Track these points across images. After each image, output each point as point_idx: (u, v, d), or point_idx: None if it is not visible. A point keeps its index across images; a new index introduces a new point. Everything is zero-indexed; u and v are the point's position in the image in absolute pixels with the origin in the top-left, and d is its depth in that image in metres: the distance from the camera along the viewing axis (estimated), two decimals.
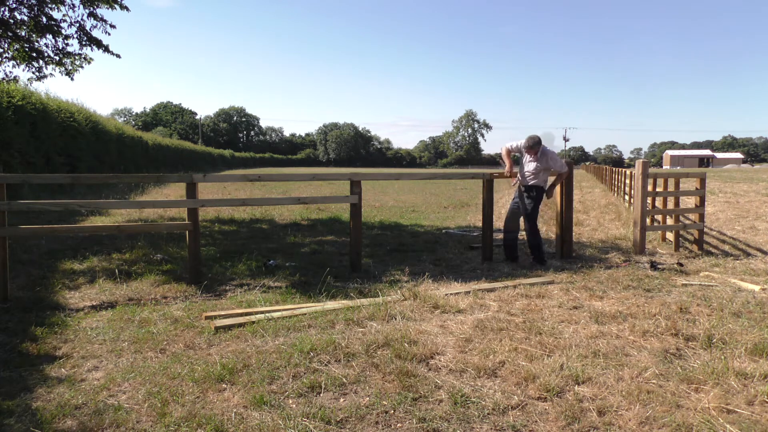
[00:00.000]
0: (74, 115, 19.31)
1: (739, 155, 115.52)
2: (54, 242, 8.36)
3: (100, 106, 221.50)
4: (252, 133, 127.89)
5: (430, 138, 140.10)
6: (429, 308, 4.96)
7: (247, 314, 4.75)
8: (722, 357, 3.72)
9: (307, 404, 3.12)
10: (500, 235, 9.70)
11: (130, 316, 4.80)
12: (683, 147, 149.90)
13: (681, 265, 7.02)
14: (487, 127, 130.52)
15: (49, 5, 11.08)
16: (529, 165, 7.25)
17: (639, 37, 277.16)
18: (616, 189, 19.07)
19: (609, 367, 3.62)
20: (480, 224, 8.65)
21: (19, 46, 11.21)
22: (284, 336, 4.25)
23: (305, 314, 4.77)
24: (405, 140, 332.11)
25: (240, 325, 4.48)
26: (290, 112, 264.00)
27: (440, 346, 4.01)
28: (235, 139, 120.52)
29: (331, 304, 5.04)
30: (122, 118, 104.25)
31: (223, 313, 4.79)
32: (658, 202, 10.64)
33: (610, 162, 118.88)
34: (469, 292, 5.56)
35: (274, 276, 6.32)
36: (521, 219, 7.42)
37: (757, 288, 5.67)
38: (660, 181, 9.80)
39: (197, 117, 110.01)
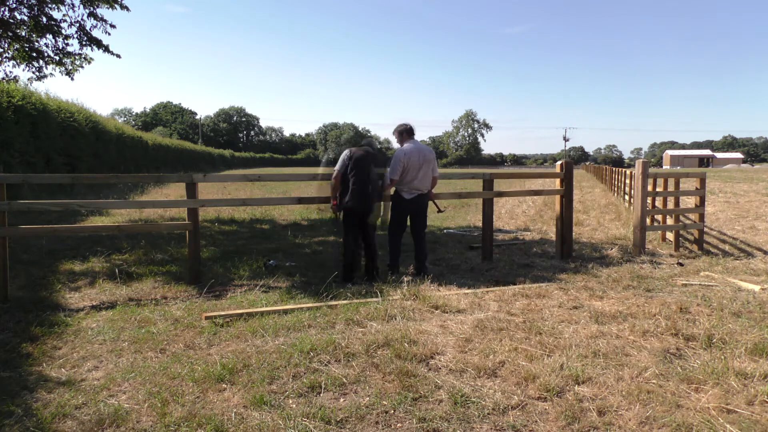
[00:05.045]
0: (74, 115, 19.31)
1: (739, 155, 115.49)
2: (54, 242, 8.36)
3: (100, 106, 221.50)
4: (252, 133, 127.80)
5: (430, 138, 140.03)
6: (429, 308, 4.96)
7: (247, 314, 4.75)
8: (722, 357, 3.72)
9: (307, 404, 3.12)
10: (501, 236, 9.72)
11: (130, 316, 4.80)
12: (683, 147, 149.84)
13: (681, 264, 7.02)
14: (487, 127, 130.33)
15: (49, 5, 11.09)
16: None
17: (639, 36, 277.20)
18: (616, 189, 19.07)
19: (609, 367, 3.62)
20: (480, 224, 8.64)
21: (19, 46, 11.21)
22: (284, 336, 4.25)
23: (305, 314, 4.77)
24: None
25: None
26: (290, 112, 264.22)
27: (440, 346, 4.01)
28: (235, 139, 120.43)
29: (331, 304, 5.04)
30: (122, 118, 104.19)
31: (223, 313, 4.79)
32: (658, 202, 10.64)
33: (610, 162, 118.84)
34: (469, 292, 5.56)
35: (275, 276, 6.32)
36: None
37: (757, 288, 5.67)
38: (660, 181, 9.79)
39: (197, 117, 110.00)
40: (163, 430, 2.87)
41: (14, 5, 10.82)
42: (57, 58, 11.66)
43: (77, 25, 11.51)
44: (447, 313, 4.87)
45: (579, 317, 4.72)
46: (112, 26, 11.91)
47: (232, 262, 7.08)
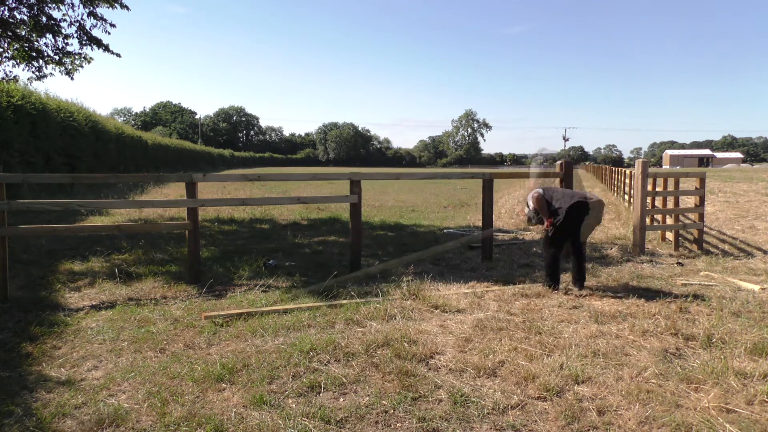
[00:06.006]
0: (74, 115, 19.29)
1: (738, 155, 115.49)
2: (54, 242, 8.36)
3: (99, 106, 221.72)
4: (252, 132, 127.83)
5: (429, 138, 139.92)
6: (429, 308, 4.96)
7: (247, 314, 4.74)
8: (722, 357, 3.72)
9: (307, 404, 3.12)
10: (501, 236, 9.71)
11: (130, 315, 4.80)
12: (683, 147, 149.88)
13: (681, 264, 7.02)
14: (487, 126, 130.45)
15: (49, 5, 11.07)
16: None
17: (639, 36, 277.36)
18: (615, 189, 19.06)
19: (609, 366, 3.62)
20: (480, 224, 8.64)
21: (19, 46, 11.20)
22: (284, 336, 4.25)
23: (305, 314, 4.76)
24: (405, 140, 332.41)
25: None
26: (290, 112, 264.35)
27: (440, 346, 4.01)
28: (235, 138, 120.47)
29: (331, 304, 5.04)
30: (122, 118, 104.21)
31: (222, 313, 4.79)
32: (658, 202, 10.63)
33: (610, 162, 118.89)
34: (468, 291, 5.56)
35: (274, 276, 6.32)
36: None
37: (756, 288, 5.67)
38: (660, 181, 9.80)
39: (197, 117, 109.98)
40: (163, 429, 2.87)
41: (14, 5, 10.81)
42: (57, 57, 11.64)
43: (77, 24, 11.50)
44: (447, 312, 4.87)
45: (579, 317, 4.72)
46: (112, 25, 11.90)
47: (232, 262, 7.08)
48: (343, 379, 3.44)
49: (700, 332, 4.20)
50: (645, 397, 3.18)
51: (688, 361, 3.71)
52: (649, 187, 8.80)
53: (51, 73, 11.85)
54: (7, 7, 10.68)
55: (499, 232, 10.17)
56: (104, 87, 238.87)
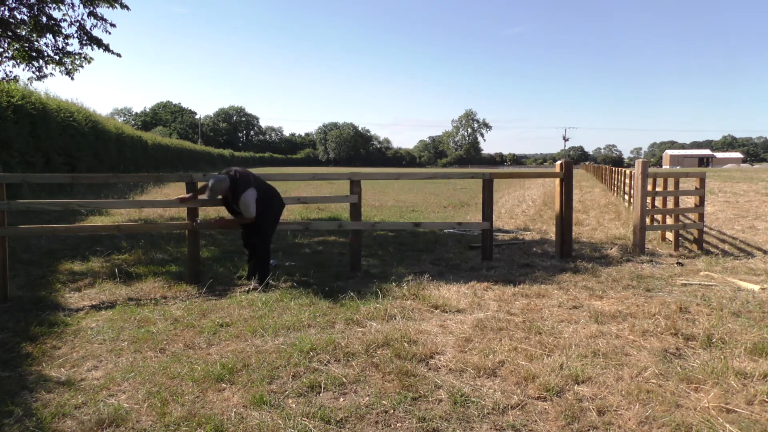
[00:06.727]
0: (74, 115, 19.31)
1: (738, 155, 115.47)
2: (54, 242, 8.36)
3: (99, 106, 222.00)
4: (252, 132, 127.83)
5: (429, 138, 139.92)
6: (429, 308, 4.96)
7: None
8: (722, 356, 3.72)
9: (307, 404, 3.12)
10: (501, 236, 9.72)
11: (130, 315, 4.80)
12: (683, 147, 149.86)
13: (681, 264, 7.02)
14: (487, 126, 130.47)
15: (49, 5, 11.07)
16: None
17: (639, 36, 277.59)
18: (615, 189, 19.06)
19: (609, 366, 3.62)
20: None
21: (19, 46, 11.19)
22: (284, 336, 4.25)
23: (305, 313, 4.76)
24: (405, 140, 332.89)
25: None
26: (290, 112, 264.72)
27: (440, 346, 4.01)
28: (235, 138, 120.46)
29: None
30: (122, 118, 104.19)
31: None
32: (658, 202, 10.64)
33: (610, 162, 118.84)
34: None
35: (274, 275, 6.31)
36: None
37: (756, 288, 5.67)
38: (660, 181, 9.80)
39: (197, 117, 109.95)
40: (163, 429, 2.87)
41: (14, 5, 10.80)
42: (57, 57, 11.63)
43: (77, 24, 11.49)
44: (447, 312, 4.87)
45: (579, 317, 4.72)
46: (112, 25, 11.90)
47: (232, 262, 7.08)
48: (343, 379, 3.44)
49: (700, 332, 4.20)
50: (645, 397, 3.18)
51: (688, 361, 3.71)
52: (649, 187, 8.80)
53: (51, 73, 11.85)
54: (7, 7, 10.68)
55: (499, 232, 10.17)
56: (104, 87, 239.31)
